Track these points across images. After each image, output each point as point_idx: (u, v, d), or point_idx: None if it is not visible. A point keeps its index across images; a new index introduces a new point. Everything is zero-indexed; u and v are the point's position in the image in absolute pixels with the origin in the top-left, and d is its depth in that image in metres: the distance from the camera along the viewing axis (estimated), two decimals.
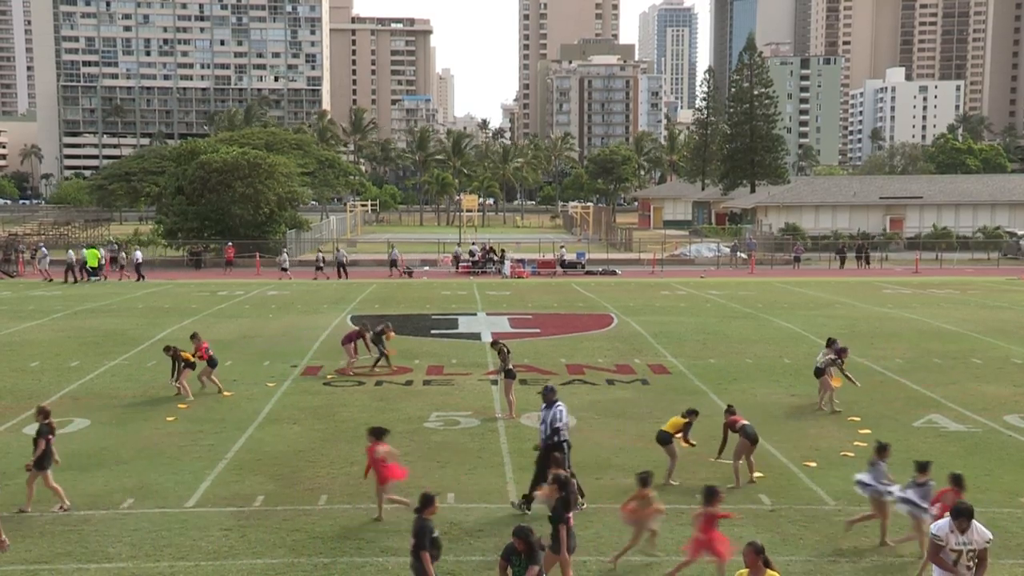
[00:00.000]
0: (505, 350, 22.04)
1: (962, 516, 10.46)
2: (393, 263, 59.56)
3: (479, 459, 17.93)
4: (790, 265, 65.41)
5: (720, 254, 70.89)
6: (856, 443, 18.88)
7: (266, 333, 33.82)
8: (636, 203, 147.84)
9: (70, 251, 56.62)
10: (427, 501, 11.38)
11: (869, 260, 65.99)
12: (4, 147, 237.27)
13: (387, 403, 22.46)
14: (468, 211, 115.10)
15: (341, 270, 57.04)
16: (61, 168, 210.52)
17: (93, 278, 53.79)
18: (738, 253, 69.59)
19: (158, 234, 73.14)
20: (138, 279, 53.81)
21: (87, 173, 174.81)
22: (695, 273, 61.05)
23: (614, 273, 60.41)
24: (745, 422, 16.27)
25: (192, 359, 23.66)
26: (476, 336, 32.68)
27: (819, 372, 21.98)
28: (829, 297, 45.52)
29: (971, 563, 10.36)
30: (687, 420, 16.40)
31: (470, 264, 62.20)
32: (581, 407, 22.03)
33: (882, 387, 24.02)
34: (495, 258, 62.14)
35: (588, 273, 60.15)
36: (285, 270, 57.00)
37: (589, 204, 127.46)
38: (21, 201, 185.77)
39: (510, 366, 21.44)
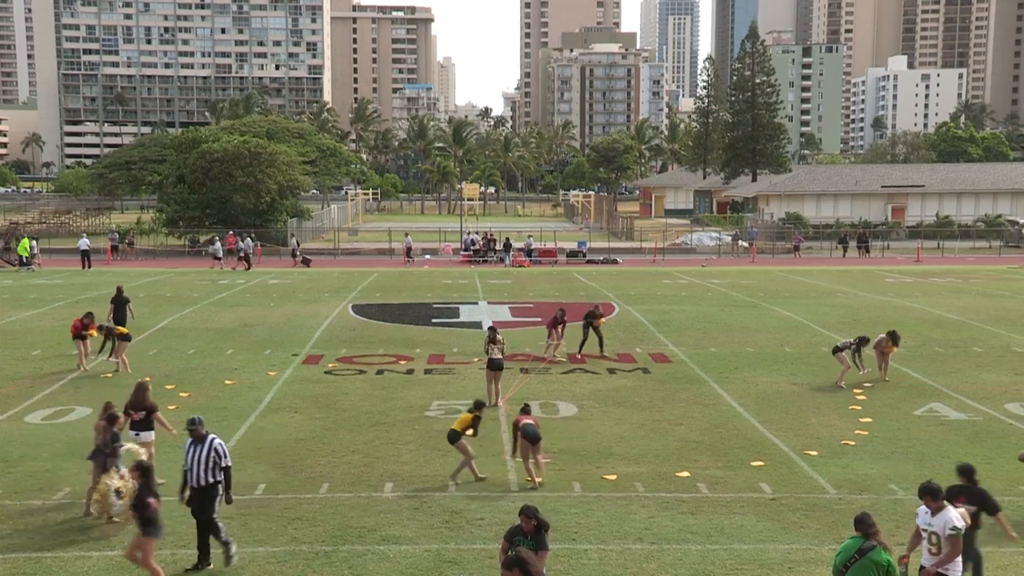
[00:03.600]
0: (486, 339, 21.87)
1: (925, 495, 10.58)
2: (293, 253, 59.36)
3: (479, 448, 17.89)
4: (791, 254, 65.35)
5: (721, 243, 70.95)
6: (857, 432, 18.90)
7: (267, 322, 33.82)
8: (637, 192, 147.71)
9: None
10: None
11: (869, 249, 66.00)
12: (5, 135, 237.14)
13: (388, 392, 22.49)
14: (469, 200, 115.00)
15: (246, 259, 56.04)
16: (62, 156, 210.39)
17: (24, 268, 53.64)
18: (739, 242, 69.61)
19: (159, 223, 73.20)
20: (84, 267, 54.13)
21: (88, 162, 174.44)
22: (696, 262, 61.07)
23: (615, 262, 60.41)
24: (528, 422, 15.94)
25: (127, 332, 25.36)
26: (477, 325, 32.68)
27: (836, 350, 23.34)
28: (830, 286, 45.51)
29: (932, 547, 10.41)
30: (475, 414, 16.17)
31: (471, 253, 62.25)
32: (582, 396, 22.08)
33: (869, 378, 23.99)
34: (498, 247, 62.20)
35: (589, 262, 60.16)
36: (218, 259, 56.44)
37: (591, 193, 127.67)
38: (24, 191, 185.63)
39: (496, 355, 21.29)
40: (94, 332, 25.08)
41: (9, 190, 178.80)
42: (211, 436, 13.01)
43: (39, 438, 18.75)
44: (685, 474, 16.37)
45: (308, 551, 13.19)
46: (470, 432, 16.09)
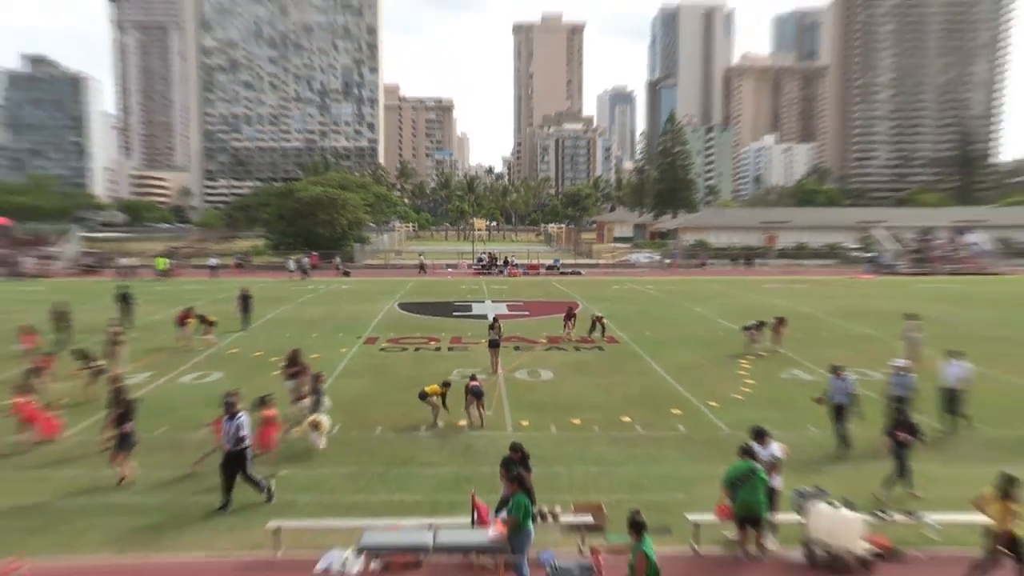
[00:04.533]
0: (488, 326, 21.89)
1: (755, 436, 10.97)
2: (336, 267, 57.98)
3: (486, 401, 17.89)
4: (699, 268, 65.30)
5: (652, 260, 70.88)
6: (744, 389, 18.92)
7: (339, 315, 33.73)
8: (594, 224, 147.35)
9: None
10: None
11: (752, 264, 66.07)
12: (168, 189, 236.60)
13: (423, 363, 22.42)
14: (478, 230, 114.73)
15: (304, 272, 53.96)
16: (203, 202, 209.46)
17: (161, 278, 52.79)
18: (664, 260, 69.58)
19: (267, 247, 73.08)
20: (211, 277, 53.54)
21: (220, 206, 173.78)
22: (636, 274, 60.99)
23: (579, 273, 60.25)
24: (475, 384, 16.01)
25: (215, 320, 25.85)
26: (484, 316, 32.59)
27: (745, 328, 24.39)
28: (726, 291, 45.52)
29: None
30: (443, 391, 16.11)
31: (480, 267, 62.13)
32: (557, 365, 22.05)
33: (761, 352, 24.02)
34: (498, 263, 62.07)
35: (561, 273, 60.00)
36: (292, 271, 54.91)
37: (562, 225, 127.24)
38: (178, 225, 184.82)
39: (493, 337, 21.24)
40: (192, 320, 25.26)
41: (174, 225, 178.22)
42: (240, 413, 11.57)
43: (189, 393, 18.76)
44: (627, 419, 16.37)
45: (369, 471, 13.20)
46: (435, 399, 16.01)
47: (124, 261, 57.44)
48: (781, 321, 24.61)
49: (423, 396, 16.12)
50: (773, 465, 10.60)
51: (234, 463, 11.51)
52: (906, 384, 14.42)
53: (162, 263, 55.15)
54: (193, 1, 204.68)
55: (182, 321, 25.16)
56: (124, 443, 12.64)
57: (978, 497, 9.39)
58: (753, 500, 9.78)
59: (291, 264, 56.56)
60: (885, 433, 12.39)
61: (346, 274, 56.65)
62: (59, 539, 10.69)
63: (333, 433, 15.35)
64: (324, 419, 14.69)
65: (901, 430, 12.08)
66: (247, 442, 11.63)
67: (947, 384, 14.81)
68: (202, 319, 25.55)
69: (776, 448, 10.79)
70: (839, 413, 14.08)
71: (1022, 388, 19.41)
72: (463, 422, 15.94)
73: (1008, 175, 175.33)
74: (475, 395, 15.84)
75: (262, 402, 13.90)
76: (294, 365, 16.83)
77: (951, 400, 14.78)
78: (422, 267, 60.35)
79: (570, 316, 26.96)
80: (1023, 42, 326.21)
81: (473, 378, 16.53)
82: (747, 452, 10.17)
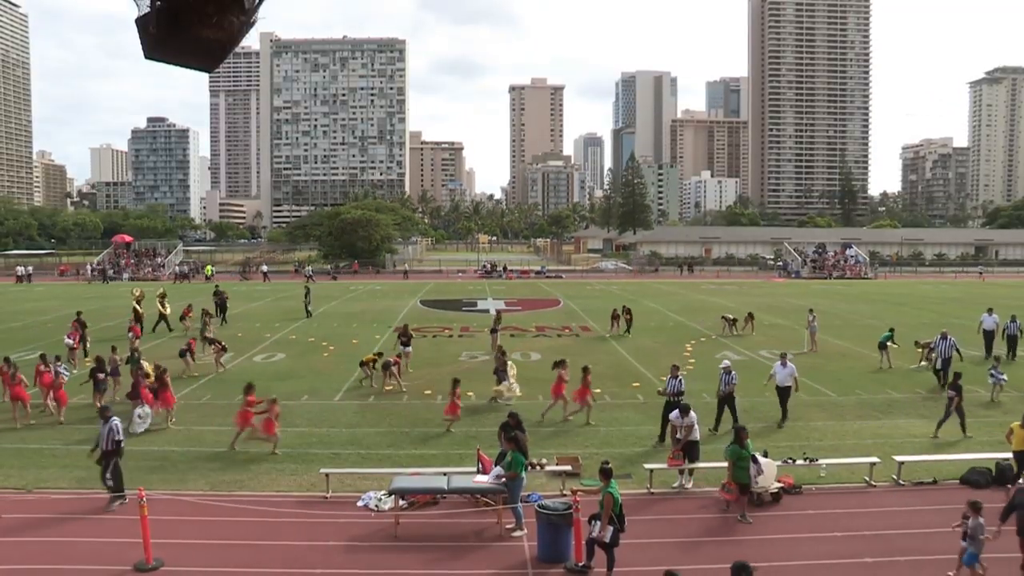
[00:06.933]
0: (494, 318, 21.88)
1: (682, 412, 10.82)
2: (331, 274, 57.02)
3: (489, 375, 17.74)
4: (654, 273, 65.14)
5: (617, 267, 70.76)
6: (687, 367, 18.75)
7: (374, 309, 33.52)
8: (572, 239, 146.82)
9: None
10: None
11: (692, 270, 65.96)
12: (245, 213, 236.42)
13: (439, 346, 22.28)
14: (482, 244, 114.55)
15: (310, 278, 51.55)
16: (271, 222, 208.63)
17: (208, 280, 50.99)
18: (626, 266, 69.42)
19: (319, 257, 72.79)
20: (264, 281, 51.85)
21: (283, 225, 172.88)
22: (605, 277, 60.82)
23: (560, 277, 59.96)
24: (392, 359, 16.24)
25: (211, 313, 24.53)
26: (486, 310, 32.48)
27: (723, 317, 24.91)
28: (673, 290, 45.39)
29: (680, 434, 10.66)
30: (375, 357, 16.82)
31: (483, 272, 61.86)
32: (544, 349, 21.89)
33: (701, 338, 23.91)
34: (498, 269, 61.82)
35: (547, 277, 59.75)
36: (307, 275, 52.53)
37: (548, 239, 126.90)
38: (252, 240, 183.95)
39: (496, 327, 21.17)
40: (191, 315, 24.55)
41: (249, 241, 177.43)
42: (113, 417, 9.63)
43: (261, 369, 18.57)
44: (598, 390, 16.19)
45: (397, 432, 13.07)
46: (369, 366, 16.48)
47: (179, 268, 56.57)
48: (750, 316, 25.00)
49: (362, 364, 16.57)
50: (687, 429, 10.66)
51: (109, 459, 9.59)
52: (731, 379, 13.40)
53: (209, 270, 55.39)
54: (268, 71, 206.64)
55: (185, 314, 24.63)
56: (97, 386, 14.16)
57: (1008, 432, 9.97)
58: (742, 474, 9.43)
59: (307, 270, 56.50)
60: (948, 389, 12.66)
61: (334, 278, 54.84)
62: (169, 478, 10.57)
63: (368, 401, 15.23)
64: (504, 384, 14.80)
65: (953, 390, 12.42)
66: (121, 445, 9.67)
67: (776, 382, 13.76)
68: (204, 312, 24.21)
69: (694, 417, 10.85)
70: (673, 406, 13.32)
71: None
72: (470, 392, 15.80)
73: (876, 205, 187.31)
74: (384, 368, 16.12)
75: (557, 364, 14.05)
76: (405, 335, 17.88)
77: (781, 393, 13.77)
78: (405, 273, 58.98)
79: (616, 316, 25.31)
80: (882, 108, 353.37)
81: (398, 355, 16.91)
82: (738, 433, 9.81)
